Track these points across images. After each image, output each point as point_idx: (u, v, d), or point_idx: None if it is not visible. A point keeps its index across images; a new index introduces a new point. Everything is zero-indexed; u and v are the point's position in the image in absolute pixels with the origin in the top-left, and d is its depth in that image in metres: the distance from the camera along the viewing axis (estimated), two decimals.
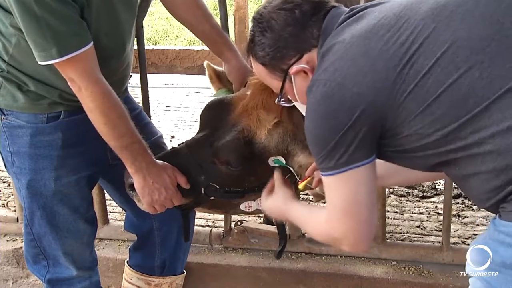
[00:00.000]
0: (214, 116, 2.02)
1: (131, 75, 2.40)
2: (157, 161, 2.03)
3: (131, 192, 2.08)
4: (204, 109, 2.07)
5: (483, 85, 1.36)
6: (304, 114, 1.73)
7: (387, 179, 1.90)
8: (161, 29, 8.35)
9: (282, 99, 1.73)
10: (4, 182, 3.96)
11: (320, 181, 1.89)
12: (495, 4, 1.41)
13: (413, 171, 1.65)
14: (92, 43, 1.91)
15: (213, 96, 2.22)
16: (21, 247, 3.07)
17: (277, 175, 1.91)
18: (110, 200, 2.90)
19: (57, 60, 1.86)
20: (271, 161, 1.95)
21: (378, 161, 1.54)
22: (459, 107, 1.38)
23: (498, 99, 1.34)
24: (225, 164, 1.96)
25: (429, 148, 1.45)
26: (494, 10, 1.40)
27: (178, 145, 2.11)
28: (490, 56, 1.36)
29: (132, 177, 2.03)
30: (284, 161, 1.95)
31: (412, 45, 1.42)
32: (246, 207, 2.09)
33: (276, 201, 1.85)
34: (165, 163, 2.03)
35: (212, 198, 2.04)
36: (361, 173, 1.48)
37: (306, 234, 2.96)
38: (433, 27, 1.42)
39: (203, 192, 2.03)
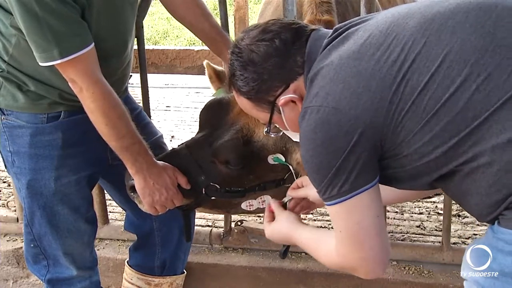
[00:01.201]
0: (213, 115, 2.03)
1: (131, 75, 2.40)
2: (158, 161, 2.03)
3: (132, 194, 2.08)
4: (203, 108, 2.08)
5: (480, 98, 1.32)
6: (294, 139, 1.73)
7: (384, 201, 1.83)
8: (161, 29, 8.33)
9: (271, 129, 1.67)
10: (4, 182, 3.95)
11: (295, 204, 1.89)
12: (485, 16, 1.38)
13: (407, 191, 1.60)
14: (93, 43, 1.91)
15: (213, 95, 2.23)
16: (21, 247, 3.07)
17: (273, 202, 1.84)
18: (110, 200, 2.90)
19: (58, 61, 1.87)
20: (270, 159, 1.96)
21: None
22: (458, 122, 1.34)
23: (496, 111, 1.31)
24: (225, 163, 1.97)
25: (430, 167, 1.40)
26: (485, 21, 1.37)
27: (178, 145, 2.11)
28: (485, 68, 1.33)
29: (132, 179, 2.03)
30: (283, 159, 1.95)
31: (404, 62, 1.38)
32: (247, 206, 2.09)
33: (279, 226, 1.78)
34: (166, 163, 2.03)
35: (213, 198, 2.04)
36: (366, 198, 1.44)
37: None
38: (424, 42, 1.39)
39: (203, 192, 2.03)
